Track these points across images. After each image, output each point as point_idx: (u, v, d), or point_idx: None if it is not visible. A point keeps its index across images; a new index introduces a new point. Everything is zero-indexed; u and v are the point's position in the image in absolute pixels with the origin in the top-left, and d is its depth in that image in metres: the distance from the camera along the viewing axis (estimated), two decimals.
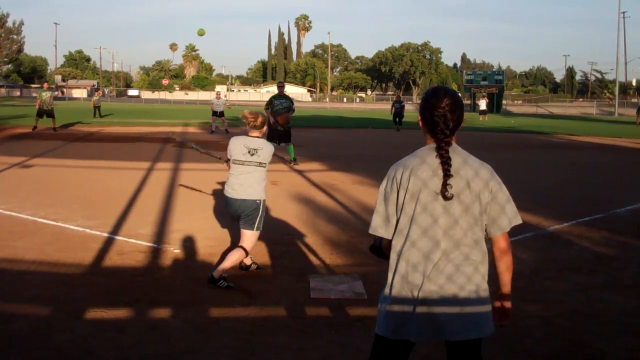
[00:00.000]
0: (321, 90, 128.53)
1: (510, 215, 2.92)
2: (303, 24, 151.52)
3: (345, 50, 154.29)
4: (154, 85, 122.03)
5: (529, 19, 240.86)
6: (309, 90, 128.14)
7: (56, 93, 25.48)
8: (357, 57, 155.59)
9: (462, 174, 2.84)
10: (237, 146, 6.15)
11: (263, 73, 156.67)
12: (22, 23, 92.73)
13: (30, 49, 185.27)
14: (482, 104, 50.20)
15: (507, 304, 3.07)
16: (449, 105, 2.86)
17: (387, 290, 2.94)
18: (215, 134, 26.43)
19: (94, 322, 5.00)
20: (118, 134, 25.54)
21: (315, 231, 8.30)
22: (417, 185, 2.83)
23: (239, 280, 6.16)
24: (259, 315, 5.23)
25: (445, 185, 2.79)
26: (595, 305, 5.71)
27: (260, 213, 6.06)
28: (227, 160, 6.30)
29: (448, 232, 2.82)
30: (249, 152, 6.09)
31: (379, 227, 2.97)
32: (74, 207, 9.63)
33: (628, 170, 16.83)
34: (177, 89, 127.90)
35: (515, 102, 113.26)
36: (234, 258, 5.99)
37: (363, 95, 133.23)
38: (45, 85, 28.22)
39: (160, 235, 7.99)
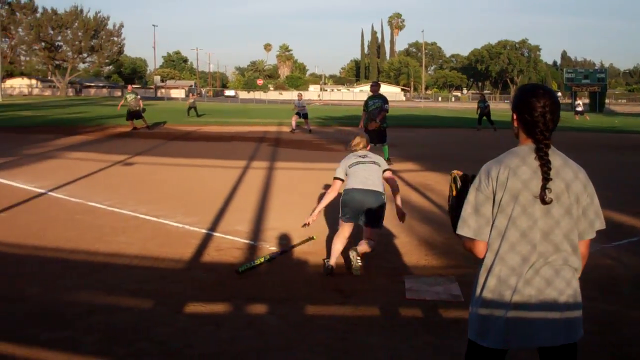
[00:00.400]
0: (415, 89, 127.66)
1: (601, 220, 2.82)
2: (396, 22, 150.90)
3: (440, 48, 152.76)
4: (249, 85, 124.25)
5: (633, 14, 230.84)
6: (402, 89, 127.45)
7: (138, 96, 26.12)
8: (452, 55, 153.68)
9: (562, 175, 2.74)
10: (349, 159, 6.66)
11: (356, 72, 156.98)
12: (122, 25, 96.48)
13: (130, 51, 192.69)
14: (579, 105, 48.59)
15: None
16: (549, 105, 2.76)
17: (478, 292, 2.87)
18: (299, 133, 26.60)
19: (193, 316, 5.13)
20: (214, 133, 26.10)
21: (410, 231, 8.22)
22: (516, 186, 2.74)
23: (334, 280, 6.18)
24: (353, 315, 5.23)
25: (544, 189, 2.69)
26: None
27: (384, 210, 6.44)
28: (336, 179, 6.58)
29: (548, 235, 2.72)
30: (361, 157, 6.61)
31: (467, 227, 2.83)
32: (173, 203, 9.91)
33: None
34: (272, 88, 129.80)
35: (619, 101, 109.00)
36: (365, 248, 6.28)
37: (458, 94, 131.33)
38: (129, 88, 29.15)
39: (256, 232, 8.11)
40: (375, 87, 15.99)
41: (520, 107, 2.84)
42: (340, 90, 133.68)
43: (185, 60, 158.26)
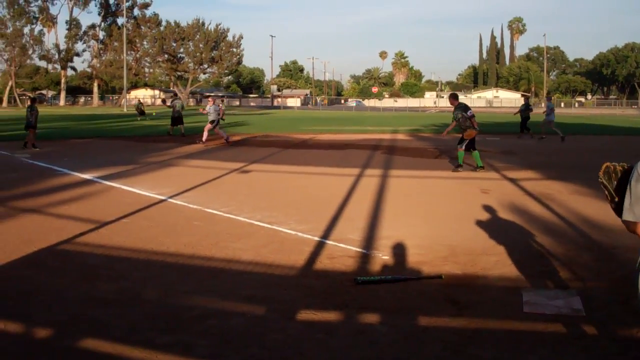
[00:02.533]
0: (536, 95, 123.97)
1: None
2: (517, 27, 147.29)
3: (563, 52, 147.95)
4: (364, 93, 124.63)
5: None
6: (522, 95, 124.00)
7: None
8: (576, 60, 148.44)
9: None
10: None
11: (474, 78, 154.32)
12: (241, 37, 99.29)
13: (249, 61, 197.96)
14: None
15: None
16: None
17: None
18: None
19: (305, 324, 5.12)
20: (328, 140, 26.31)
21: (529, 242, 7.92)
22: None
23: (448, 291, 6.03)
24: (468, 327, 5.06)
25: None
26: None
27: None
28: None
29: None
30: None
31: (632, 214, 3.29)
32: (287, 211, 10.01)
33: None
34: (387, 96, 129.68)
35: None
36: None
37: (582, 99, 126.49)
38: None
39: (369, 241, 8.05)
40: (452, 99, 16.60)
41: None
42: None
43: (302, 70, 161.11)
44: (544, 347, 4.67)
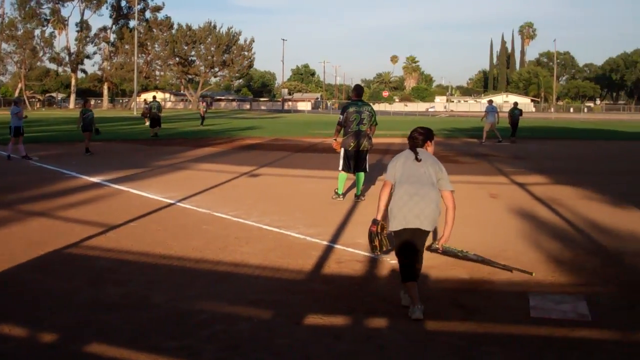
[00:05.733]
0: (546, 100, 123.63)
1: None
2: (527, 32, 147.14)
3: (573, 57, 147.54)
4: (375, 97, 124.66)
5: None
6: (532, 100, 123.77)
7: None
8: (586, 65, 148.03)
9: None
10: None
11: (484, 83, 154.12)
12: (252, 40, 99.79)
13: (260, 64, 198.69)
14: None
15: None
16: None
17: None
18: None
19: (312, 328, 5.11)
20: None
21: (536, 247, 7.89)
22: None
23: (456, 295, 6.02)
24: (476, 332, 5.05)
25: None
26: None
27: None
28: None
29: None
30: None
31: None
32: (295, 215, 10.02)
33: None
34: (397, 100, 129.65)
35: None
36: None
37: (591, 104, 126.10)
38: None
39: None
40: (355, 92, 11.81)
41: None
42: (467, 101, 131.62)
43: (313, 74, 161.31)
44: (551, 352, 4.65)
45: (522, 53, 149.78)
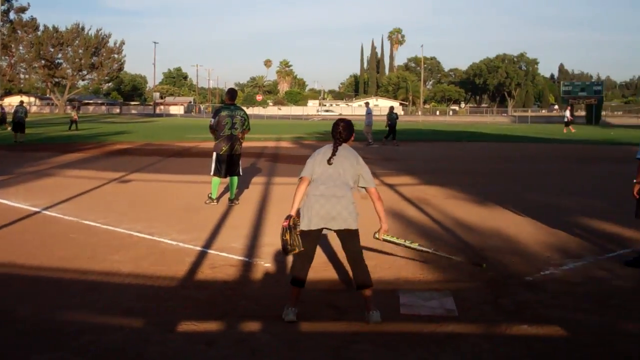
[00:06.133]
0: (413, 103, 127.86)
1: None
2: (396, 38, 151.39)
3: (439, 62, 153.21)
4: (248, 101, 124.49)
5: (630, 27, 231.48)
6: (401, 104, 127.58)
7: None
8: (451, 70, 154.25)
9: None
10: None
11: (355, 87, 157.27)
12: (123, 43, 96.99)
13: (131, 68, 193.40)
14: (566, 115, 48.44)
15: None
16: None
17: None
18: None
19: (185, 335, 5.06)
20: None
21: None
22: None
23: (329, 296, 6.12)
24: (348, 331, 5.16)
25: None
26: None
27: None
28: None
29: None
30: None
31: None
32: (168, 221, 9.85)
33: None
34: (271, 104, 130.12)
35: (615, 113, 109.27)
36: None
37: (456, 108, 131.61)
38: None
39: (251, 249, 8.05)
40: (228, 94, 11.77)
41: None
42: (339, 105, 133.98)
43: (186, 77, 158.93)
44: (420, 347, 4.82)
45: (392, 58, 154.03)
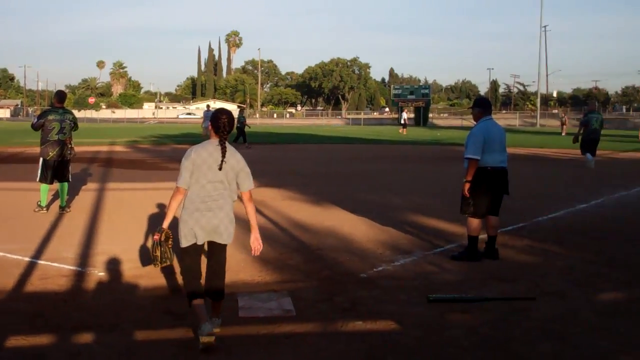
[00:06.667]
0: (251, 106, 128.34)
1: None
2: (234, 40, 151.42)
3: (276, 66, 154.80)
4: (80, 104, 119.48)
5: (454, 34, 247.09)
6: (238, 107, 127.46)
7: None
8: (287, 73, 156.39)
9: None
10: None
11: (192, 90, 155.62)
12: None
13: None
14: (402, 117, 51.15)
15: None
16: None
17: None
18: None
19: (14, 351, 4.83)
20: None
21: (243, 248, 8.17)
22: None
23: (165, 302, 6.07)
24: (185, 337, 5.14)
25: None
26: (518, 312, 5.84)
27: None
28: None
29: None
30: None
31: None
32: None
33: (550, 180, 17.41)
34: (104, 107, 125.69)
35: (442, 115, 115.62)
36: None
37: (293, 110, 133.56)
38: None
39: (84, 258, 7.78)
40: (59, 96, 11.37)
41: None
42: (176, 107, 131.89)
43: (12, 79, 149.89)
44: (258, 349, 4.90)
45: (229, 61, 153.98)
